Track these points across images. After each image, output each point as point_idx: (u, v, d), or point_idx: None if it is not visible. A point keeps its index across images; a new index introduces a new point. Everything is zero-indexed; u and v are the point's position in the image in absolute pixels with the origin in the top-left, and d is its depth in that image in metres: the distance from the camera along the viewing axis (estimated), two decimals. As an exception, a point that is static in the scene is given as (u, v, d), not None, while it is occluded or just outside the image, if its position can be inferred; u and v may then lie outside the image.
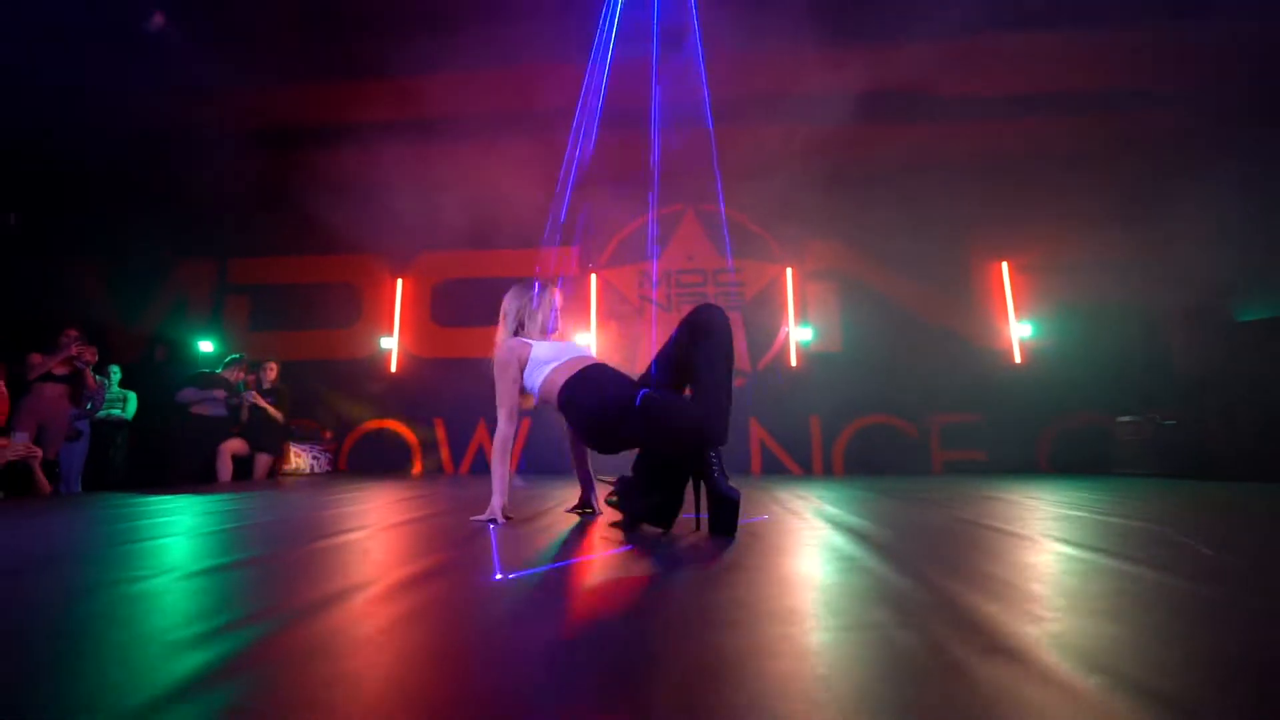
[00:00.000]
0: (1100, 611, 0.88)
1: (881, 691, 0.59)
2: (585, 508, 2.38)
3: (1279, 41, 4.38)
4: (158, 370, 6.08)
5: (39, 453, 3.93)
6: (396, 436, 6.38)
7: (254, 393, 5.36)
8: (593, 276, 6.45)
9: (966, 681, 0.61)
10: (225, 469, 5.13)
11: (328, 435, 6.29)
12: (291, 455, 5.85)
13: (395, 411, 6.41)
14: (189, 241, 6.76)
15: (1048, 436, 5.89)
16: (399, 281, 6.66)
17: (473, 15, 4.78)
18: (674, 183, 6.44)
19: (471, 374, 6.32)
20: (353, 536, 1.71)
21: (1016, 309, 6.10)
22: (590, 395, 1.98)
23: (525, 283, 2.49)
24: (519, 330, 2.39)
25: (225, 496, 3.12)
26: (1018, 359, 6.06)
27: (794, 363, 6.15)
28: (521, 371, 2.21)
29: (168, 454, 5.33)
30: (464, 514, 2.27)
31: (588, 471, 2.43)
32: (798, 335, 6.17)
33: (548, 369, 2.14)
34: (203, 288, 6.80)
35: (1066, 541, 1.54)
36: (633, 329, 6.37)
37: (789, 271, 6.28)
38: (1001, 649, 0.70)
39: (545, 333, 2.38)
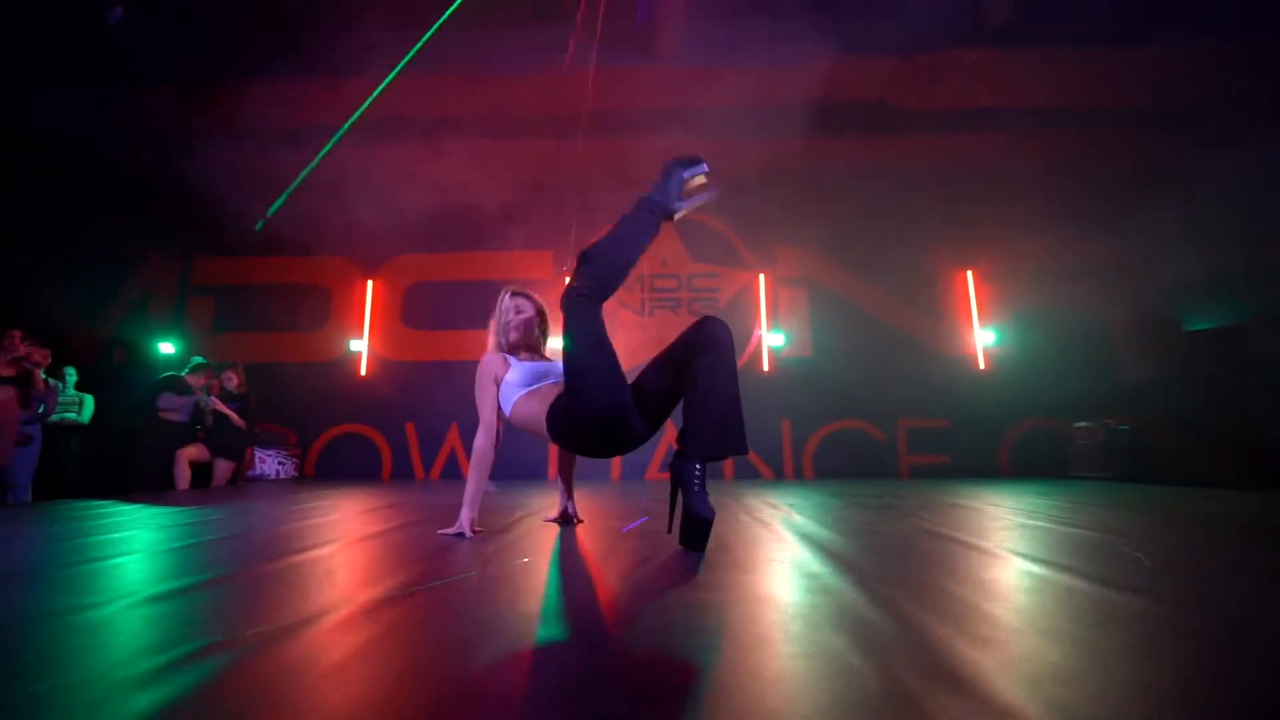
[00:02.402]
0: (1049, 632, 0.92)
1: (834, 727, 0.61)
2: (565, 519, 2.37)
3: (1227, 63, 4.60)
4: (117, 373, 5.86)
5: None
6: (366, 441, 6.27)
7: (214, 399, 5.20)
8: (567, 280, 6.42)
9: (916, 715, 0.63)
10: (183, 477, 4.97)
11: (293, 440, 6.14)
12: (255, 461, 5.70)
13: (364, 416, 6.30)
14: (151, 239, 6.53)
15: (1009, 441, 6.08)
16: (369, 283, 6.55)
17: (450, 19, 4.73)
18: (643, 188, 6.46)
19: (443, 378, 6.30)
20: (319, 553, 1.68)
21: (980, 316, 6.28)
22: (569, 430, 1.94)
23: (512, 287, 2.37)
24: (504, 343, 2.28)
25: (183, 508, 3.02)
26: (981, 365, 6.24)
27: (766, 368, 6.23)
28: (498, 388, 2.13)
29: (125, 460, 5.15)
30: (434, 525, 2.24)
31: (570, 480, 2.43)
32: (770, 340, 6.25)
33: (519, 394, 2.06)
34: (165, 288, 6.58)
35: (1023, 555, 1.60)
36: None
37: (762, 278, 6.36)
38: (952, 677, 0.73)
39: (513, 346, 2.26)
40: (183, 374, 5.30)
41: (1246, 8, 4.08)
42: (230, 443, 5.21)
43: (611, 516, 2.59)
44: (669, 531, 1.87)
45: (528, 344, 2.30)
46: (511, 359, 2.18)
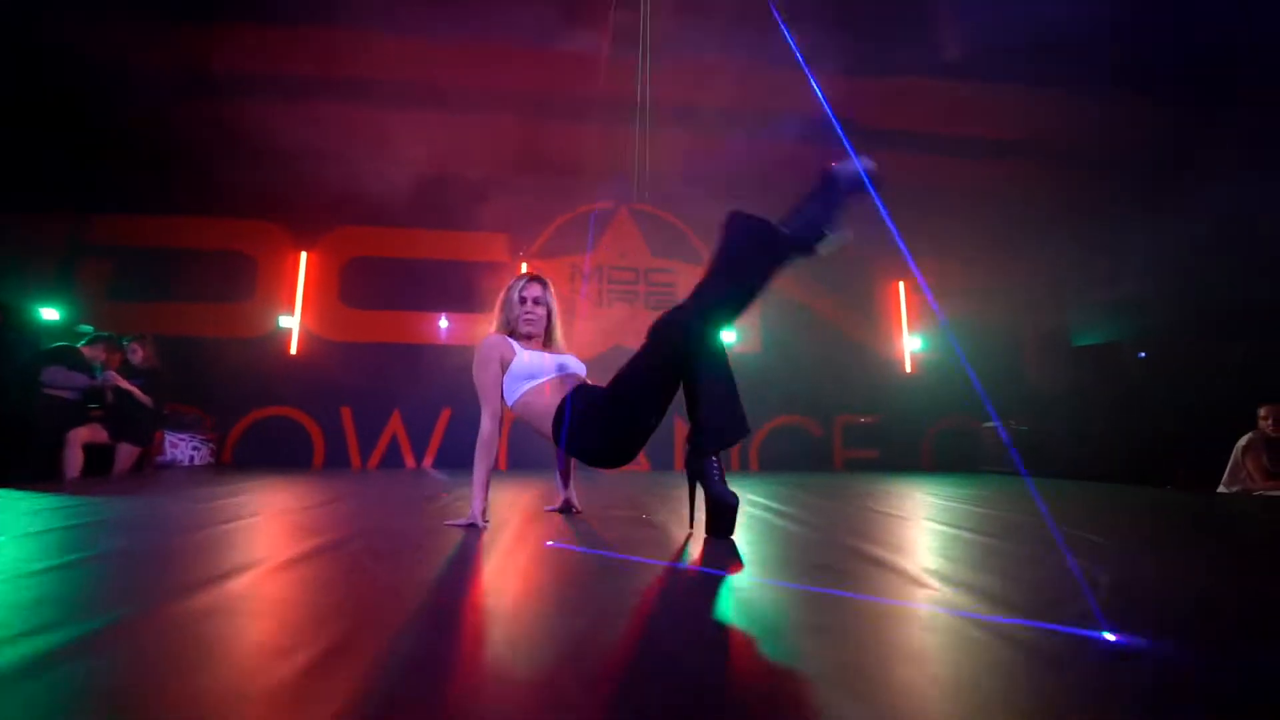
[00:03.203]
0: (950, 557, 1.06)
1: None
2: (566, 508, 2.32)
3: (1137, 118, 5.34)
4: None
5: None
6: (295, 425, 5.78)
7: (113, 373, 4.58)
8: (523, 265, 6.28)
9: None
10: (75, 462, 4.33)
11: (210, 423, 5.55)
12: (165, 445, 5.10)
13: (294, 398, 5.80)
14: (38, 192, 5.62)
15: (929, 437, 6.67)
16: (303, 255, 6.04)
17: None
18: (609, 180, 6.45)
19: (386, 361, 5.94)
20: (229, 586, 1.11)
21: (909, 324, 6.84)
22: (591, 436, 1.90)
23: (528, 274, 2.27)
24: (508, 328, 2.18)
25: (69, 501, 2.52)
26: (908, 368, 6.80)
27: (718, 363, 6.42)
28: (503, 372, 2.03)
29: (4, 443, 4.42)
30: (376, 538, 1.71)
31: (569, 469, 2.37)
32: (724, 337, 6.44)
33: (528, 386, 2.00)
34: (51, 246, 5.69)
35: (940, 523, 1.80)
36: (561, 322, 6.28)
37: (716, 276, 6.53)
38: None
39: (522, 336, 2.17)
40: (78, 345, 4.63)
41: (1154, 74, 4.76)
42: (135, 424, 4.62)
43: (616, 505, 2.61)
44: (690, 526, 1.90)
45: (536, 335, 2.22)
46: (517, 345, 2.09)
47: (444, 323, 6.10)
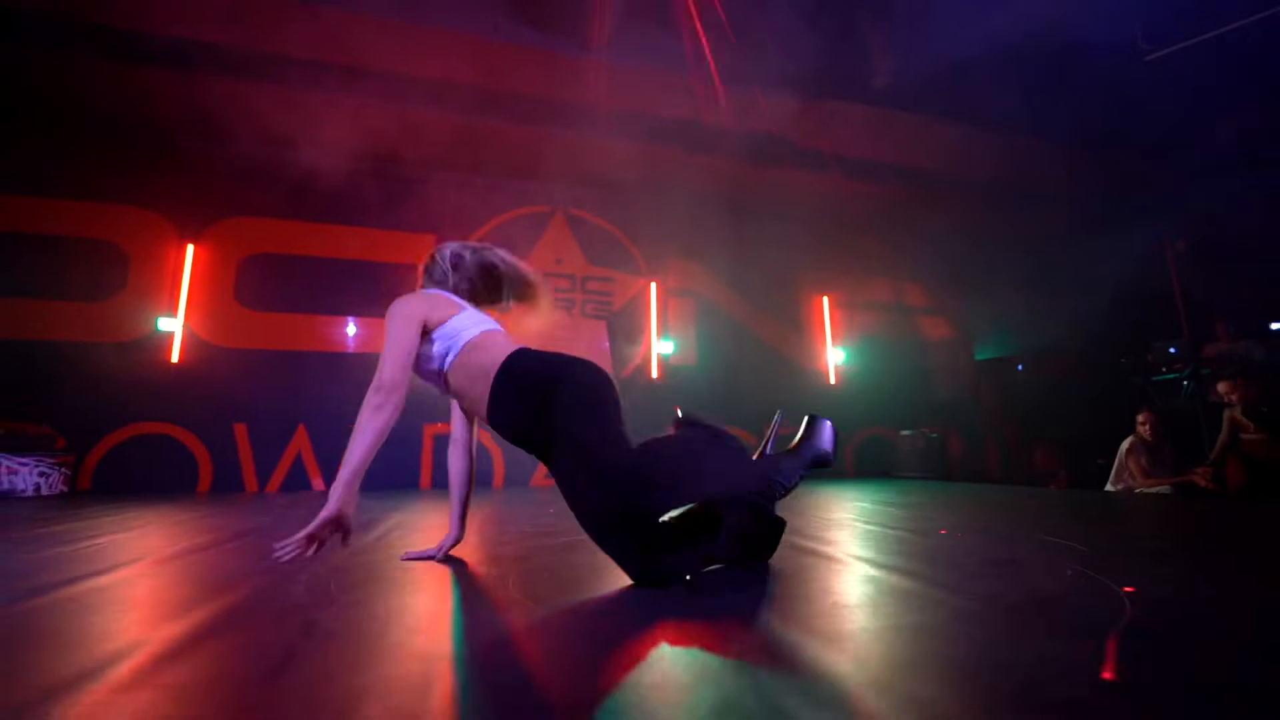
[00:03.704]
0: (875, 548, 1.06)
1: None
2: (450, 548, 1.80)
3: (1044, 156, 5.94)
4: None
5: None
6: (175, 445, 4.95)
7: None
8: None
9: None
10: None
11: (61, 444, 4.62)
12: (2, 471, 4.17)
13: (175, 413, 4.98)
14: None
15: (852, 446, 6.97)
16: (189, 248, 5.23)
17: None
18: (545, 182, 6.22)
19: (289, 371, 5.27)
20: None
21: (834, 337, 7.15)
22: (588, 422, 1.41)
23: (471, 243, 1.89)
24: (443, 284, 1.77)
25: None
26: (832, 380, 7.09)
27: (655, 374, 6.33)
28: (425, 336, 1.57)
29: None
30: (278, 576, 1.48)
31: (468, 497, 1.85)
32: (660, 348, 6.37)
33: (476, 333, 1.57)
34: None
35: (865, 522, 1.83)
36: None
37: (654, 286, 6.47)
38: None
39: (470, 295, 1.79)
40: None
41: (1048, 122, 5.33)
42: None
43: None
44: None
45: (492, 302, 1.84)
46: (456, 299, 1.67)
47: (351, 329, 5.54)
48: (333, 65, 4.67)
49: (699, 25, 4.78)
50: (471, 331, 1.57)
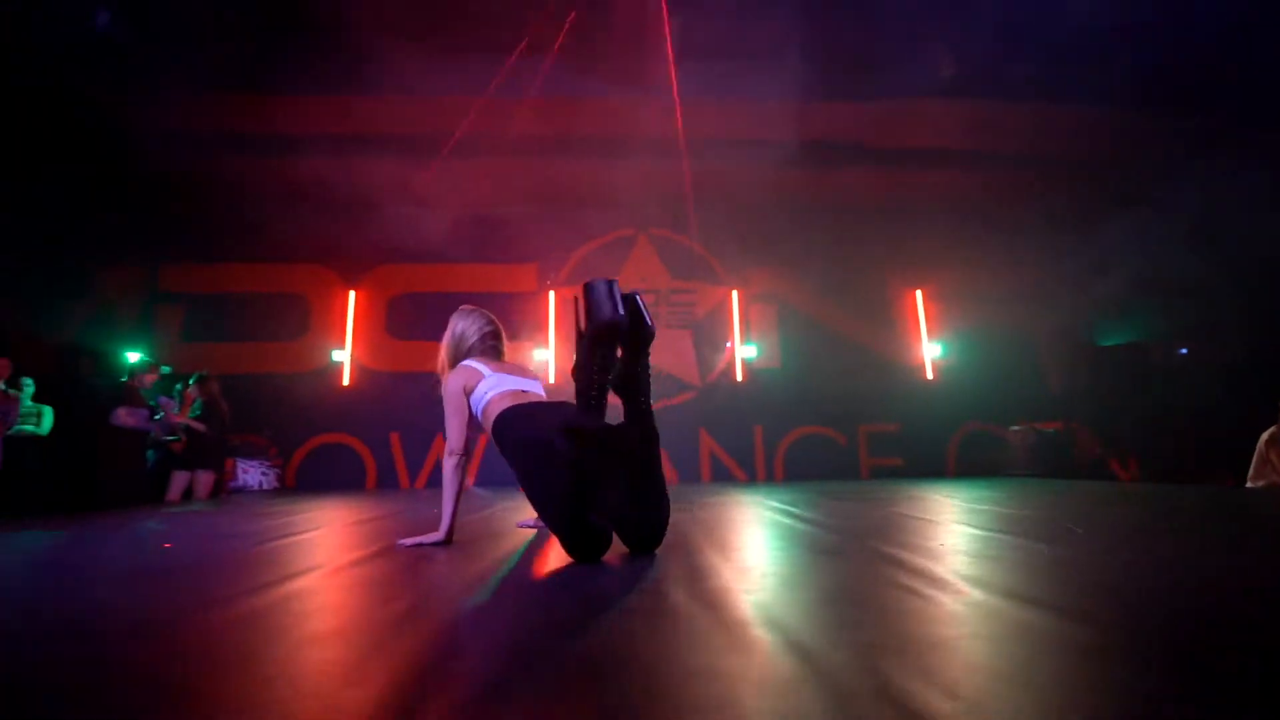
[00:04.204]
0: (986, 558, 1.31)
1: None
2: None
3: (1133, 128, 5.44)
4: (79, 383, 5.64)
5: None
6: (349, 451, 6.28)
7: (170, 412, 5.07)
8: (550, 294, 6.68)
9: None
10: (175, 488, 4.94)
11: (274, 451, 6.08)
12: (238, 472, 5.64)
13: (348, 426, 6.31)
14: (117, 247, 6.30)
15: (954, 444, 6.76)
16: (351, 293, 6.57)
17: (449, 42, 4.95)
18: (628, 208, 6.82)
19: (429, 388, 6.38)
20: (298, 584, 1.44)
21: (929, 332, 6.97)
22: (518, 430, 1.87)
23: (466, 309, 2.41)
24: (466, 356, 2.25)
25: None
26: (930, 375, 6.92)
27: (740, 378, 6.68)
28: (469, 399, 2.09)
29: (91, 473, 4.99)
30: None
31: None
32: (743, 353, 6.71)
33: (490, 395, 2.05)
34: (131, 295, 6.36)
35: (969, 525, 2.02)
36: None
37: (735, 294, 6.82)
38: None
39: (481, 353, 2.25)
40: (123, 380, 5.15)
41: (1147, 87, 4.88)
42: (206, 454, 5.13)
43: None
44: None
45: (496, 351, 2.28)
46: (480, 364, 2.14)
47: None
48: (443, 135, 5.66)
49: (753, 47, 5.07)
50: (488, 396, 2.10)
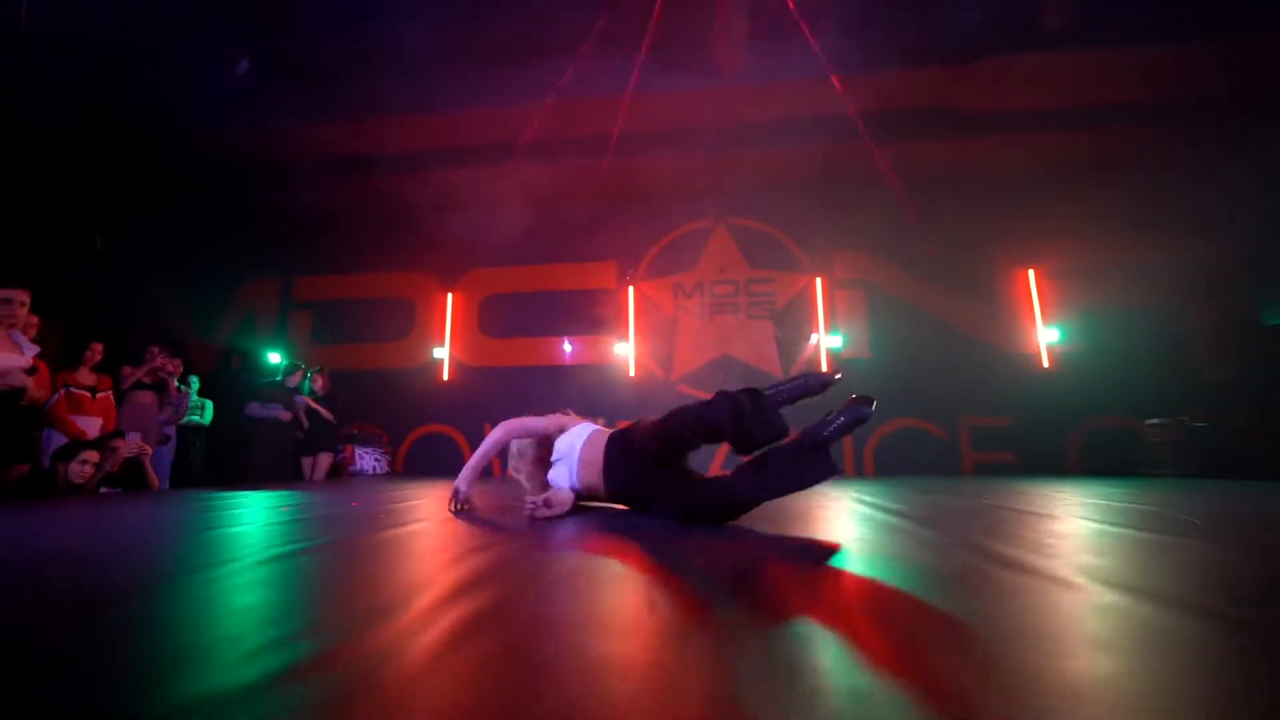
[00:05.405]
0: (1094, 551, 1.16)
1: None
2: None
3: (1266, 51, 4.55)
4: (232, 379, 6.61)
5: (149, 450, 4.39)
6: (448, 440, 6.80)
7: (306, 398, 5.77)
8: (630, 289, 6.81)
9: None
10: (311, 471, 5.66)
11: (385, 439, 6.73)
12: (356, 457, 6.31)
13: (447, 416, 6.84)
14: (256, 262, 7.32)
15: (1076, 439, 6.04)
16: (449, 296, 7.12)
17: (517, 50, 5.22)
18: (704, 199, 6.79)
19: (517, 381, 6.79)
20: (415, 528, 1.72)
21: (1044, 314, 6.27)
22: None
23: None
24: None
25: (302, 496, 3.49)
26: (1045, 363, 6.22)
27: (825, 368, 6.41)
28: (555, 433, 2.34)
29: (241, 456, 5.82)
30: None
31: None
32: (828, 342, 6.43)
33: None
34: (269, 304, 7.36)
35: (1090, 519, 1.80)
36: (667, 338, 6.71)
37: (818, 281, 6.56)
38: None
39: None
40: (277, 379, 5.90)
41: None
42: (325, 438, 5.79)
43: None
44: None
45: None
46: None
47: (568, 346, 6.81)
48: (522, 143, 5.97)
49: (820, 23, 4.85)
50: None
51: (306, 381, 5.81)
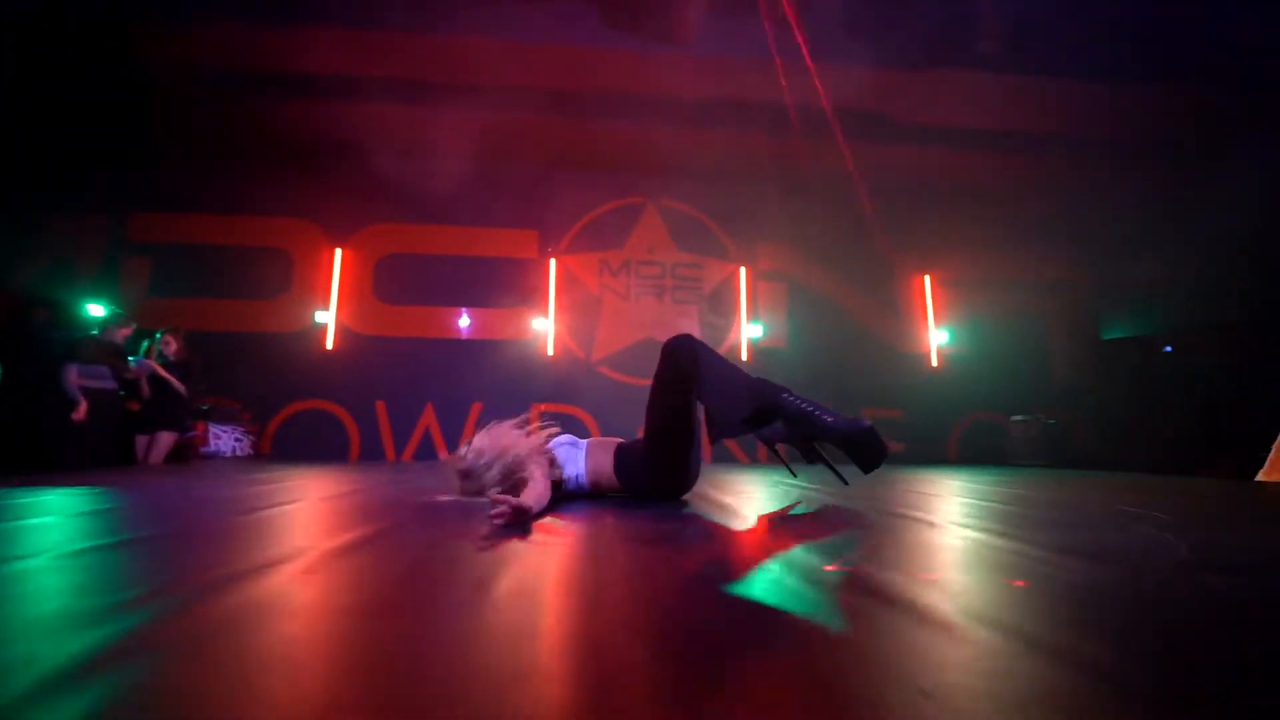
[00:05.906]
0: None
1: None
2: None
3: (1170, 105, 5.31)
4: (35, 336, 5.14)
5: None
6: (331, 419, 5.90)
7: (151, 362, 4.69)
8: (551, 262, 6.35)
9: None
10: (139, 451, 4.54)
11: (247, 416, 5.67)
12: (209, 437, 5.23)
13: (330, 392, 5.92)
14: (75, 188, 5.76)
15: (957, 432, 6.67)
16: (338, 252, 6.14)
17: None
18: (636, 175, 6.51)
19: (419, 355, 6.04)
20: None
21: (936, 318, 6.84)
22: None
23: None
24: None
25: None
26: (935, 362, 6.80)
27: (745, 357, 6.46)
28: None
29: (46, 432, 4.55)
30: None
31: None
32: (749, 332, 6.49)
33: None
34: (92, 245, 5.84)
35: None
36: (589, 317, 6.36)
37: (743, 270, 6.58)
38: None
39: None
40: (95, 334, 4.72)
41: (1183, 66, 4.74)
42: (172, 413, 4.74)
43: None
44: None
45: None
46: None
47: (465, 319, 6.17)
48: (441, 84, 5.26)
49: (786, 7, 4.79)
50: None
51: (155, 343, 4.71)
